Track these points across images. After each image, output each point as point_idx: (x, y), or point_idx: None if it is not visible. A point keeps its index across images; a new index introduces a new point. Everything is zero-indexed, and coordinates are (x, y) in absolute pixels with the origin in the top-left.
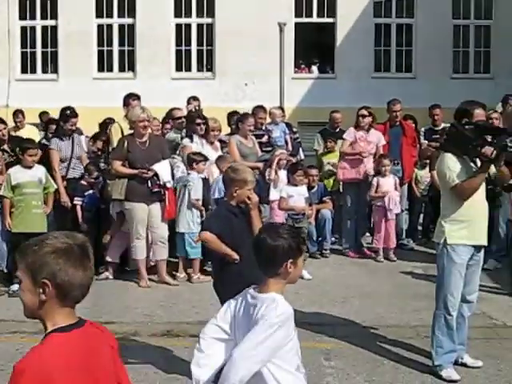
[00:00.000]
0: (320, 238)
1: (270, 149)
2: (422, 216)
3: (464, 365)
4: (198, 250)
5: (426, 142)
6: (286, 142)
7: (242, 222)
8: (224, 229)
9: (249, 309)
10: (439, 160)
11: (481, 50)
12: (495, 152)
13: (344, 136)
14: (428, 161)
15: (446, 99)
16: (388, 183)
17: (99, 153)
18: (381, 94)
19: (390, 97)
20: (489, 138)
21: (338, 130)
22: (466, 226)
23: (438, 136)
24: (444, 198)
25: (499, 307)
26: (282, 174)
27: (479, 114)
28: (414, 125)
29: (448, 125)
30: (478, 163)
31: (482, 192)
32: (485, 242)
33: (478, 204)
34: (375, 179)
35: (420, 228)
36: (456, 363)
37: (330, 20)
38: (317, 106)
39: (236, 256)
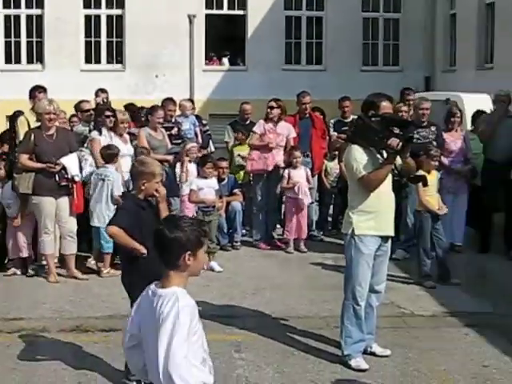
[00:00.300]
0: (231, 231)
1: (179, 141)
2: (331, 207)
3: (373, 354)
4: (111, 245)
5: (336, 133)
6: (196, 135)
7: (151, 216)
8: (132, 223)
9: (151, 305)
10: (346, 152)
11: (390, 43)
12: (401, 144)
13: (253, 129)
14: (337, 152)
15: (356, 91)
16: (299, 175)
17: (4, 156)
18: (291, 86)
19: (300, 89)
20: (396, 130)
21: (248, 121)
22: (373, 217)
23: (347, 128)
24: (351, 189)
25: (407, 296)
26: (192, 166)
27: (386, 106)
28: (322, 116)
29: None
30: (385, 155)
31: (388, 183)
32: (392, 233)
33: (384, 195)
34: (286, 171)
35: (330, 219)
36: (365, 352)
37: (241, 12)
38: (228, 98)
39: (144, 250)
